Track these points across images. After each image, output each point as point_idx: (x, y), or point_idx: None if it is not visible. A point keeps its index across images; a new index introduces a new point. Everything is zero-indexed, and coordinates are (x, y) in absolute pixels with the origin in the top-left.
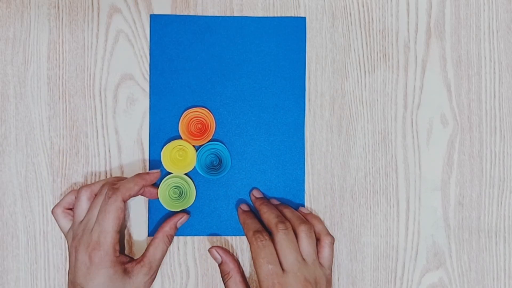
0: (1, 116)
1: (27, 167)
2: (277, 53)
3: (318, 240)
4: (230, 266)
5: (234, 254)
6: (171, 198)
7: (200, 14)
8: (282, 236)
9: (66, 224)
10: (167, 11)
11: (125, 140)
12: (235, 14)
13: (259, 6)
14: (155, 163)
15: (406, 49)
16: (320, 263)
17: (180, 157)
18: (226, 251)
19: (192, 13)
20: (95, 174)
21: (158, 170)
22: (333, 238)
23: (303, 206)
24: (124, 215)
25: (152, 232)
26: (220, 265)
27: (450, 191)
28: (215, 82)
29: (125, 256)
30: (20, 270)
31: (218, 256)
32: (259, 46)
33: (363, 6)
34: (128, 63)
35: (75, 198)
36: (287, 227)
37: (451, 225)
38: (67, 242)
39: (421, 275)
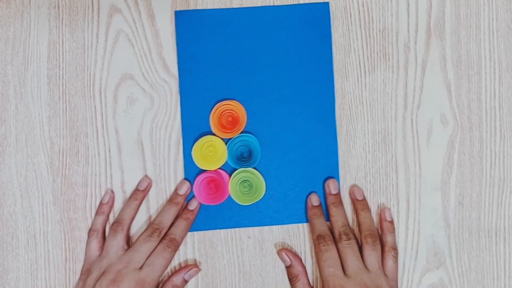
0: (1, 116)
1: (27, 167)
2: (303, 40)
3: (382, 251)
4: (299, 269)
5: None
6: (242, 193)
7: None
8: (344, 246)
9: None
10: (167, 11)
11: (125, 140)
12: None
13: (259, 5)
14: (189, 159)
15: (406, 49)
16: (384, 273)
17: (211, 152)
18: (295, 254)
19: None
20: (95, 174)
21: (148, 181)
22: (397, 251)
23: (336, 191)
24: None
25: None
26: (288, 267)
27: (450, 191)
28: (243, 73)
29: None
30: (20, 270)
31: (288, 259)
32: (285, 34)
33: (363, 6)
34: (128, 63)
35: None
36: (349, 238)
37: (451, 225)
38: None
39: (421, 275)
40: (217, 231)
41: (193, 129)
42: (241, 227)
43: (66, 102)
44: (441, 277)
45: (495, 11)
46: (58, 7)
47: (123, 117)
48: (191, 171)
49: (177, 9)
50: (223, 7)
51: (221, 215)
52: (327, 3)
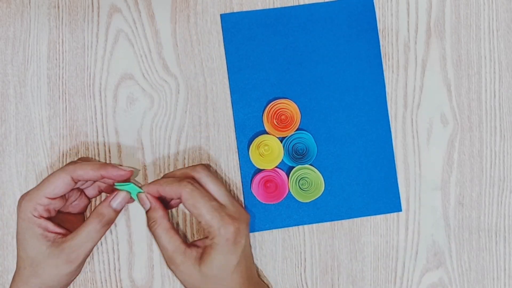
0: (1, 116)
1: (27, 167)
2: (349, 34)
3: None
4: (160, 213)
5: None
6: (302, 189)
7: (200, 12)
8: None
9: None
10: (167, 11)
11: (125, 140)
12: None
13: (259, 6)
14: (245, 161)
15: (406, 49)
16: None
17: (267, 152)
18: (157, 198)
19: (192, 12)
20: None
21: (131, 170)
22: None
23: (396, 184)
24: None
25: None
26: (147, 211)
27: (450, 190)
28: (291, 72)
29: None
30: None
31: (148, 202)
32: (331, 30)
33: None
34: (128, 63)
35: None
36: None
37: (451, 225)
38: None
39: (421, 275)
40: None
41: (247, 130)
42: (302, 224)
43: (66, 102)
44: (441, 277)
45: (495, 11)
46: (58, 7)
47: (123, 117)
48: (248, 171)
49: (177, 9)
50: (223, 6)
51: (280, 214)
52: None
